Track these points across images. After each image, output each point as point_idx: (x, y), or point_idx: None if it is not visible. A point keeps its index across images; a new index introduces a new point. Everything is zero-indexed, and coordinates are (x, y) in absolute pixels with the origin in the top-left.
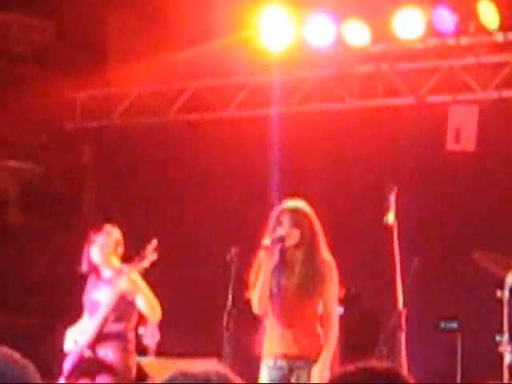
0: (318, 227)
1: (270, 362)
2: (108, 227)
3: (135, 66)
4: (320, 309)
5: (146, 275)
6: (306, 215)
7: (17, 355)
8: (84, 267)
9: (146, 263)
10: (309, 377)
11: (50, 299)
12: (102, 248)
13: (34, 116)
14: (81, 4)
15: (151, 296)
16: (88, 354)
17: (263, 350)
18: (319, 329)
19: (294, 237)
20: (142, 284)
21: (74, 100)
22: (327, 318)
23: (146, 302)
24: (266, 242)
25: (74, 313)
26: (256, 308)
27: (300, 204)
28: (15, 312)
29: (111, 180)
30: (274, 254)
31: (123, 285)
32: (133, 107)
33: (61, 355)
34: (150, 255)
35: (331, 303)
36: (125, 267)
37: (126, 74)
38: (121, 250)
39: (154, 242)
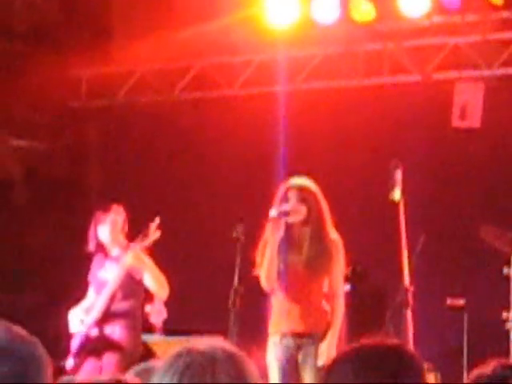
0: (324, 205)
1: (277, 339)
2: (115, 206)
3: (140, 44)
4: (326, 286)
5: (152, 253)
6: (312, 192)
7: (25, 333)
8: (91, 247)
9: (149, 241)
10: (316, 354)
11: (54, 278)
12: (112, 227)
13: (39, 94)
14: None
15: (158, 272)
16: (95, 332)
17: (270, 327)
18: (326, 306)
19: (300, 212)
20: (148, 261)
21: (78, 78)
22: (333, 295)
23: (154, 279)
24: (273, 213)
25: (77, 292)
26: (265, 284)
27: (306, 181)
28: (19, 291)
29: (116, 158)
30: (280, 226)
31: (129, 260)
32: (138, 85)
33: (66, 333)
34: (153, 233)
35: (337, 281)
36: (131, 245)
37: (131, 52)
38: (126, 229)
39: (157, 220)
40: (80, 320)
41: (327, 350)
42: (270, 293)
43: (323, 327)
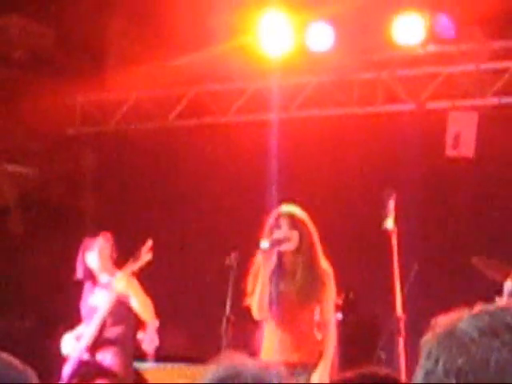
0: (315, 233)
1: None
2: (103, 233)
3: (134, 71)
4: (317, 315)
5: (144, 280)
6: (303, 220)
7: (16, 361)
8: (79, 274)
9: (140, 262)
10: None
11: (48, 304)
12: (100, 253)
13: (34, 120)
14: (80, 9)
15: (145, 298)
16: (86, 358)
17: (261, 356)
18: (317, 335)
19: (293, 239)
20: (136, 285)
21: (73, 105)
22: (325, 324)
23: (140, 303)
24: (264, 244)
25: (72, 319)
26: (256, 314)
27: (297, 209)
28: (12, 317)
29: (110, 184)
30: (272, 256)
31: (119, 286)
32: (132, 112)
33: (59, 360)
34: (145, 255)
35: (329, 310)
36: (122, 269)
37: (125, 78)
38: (115, 256)
39: (149, 243)
40: (72, 344)
41: (319, 380)
42: (261, 321)
43: (315, 356)
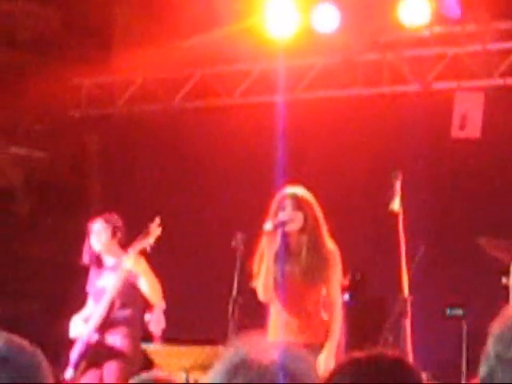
0: (320, 214)
1: None
2: (107, 215)
3: (140, 53)
4: (324, 296)
5: (152, 262)
6: (308, 201)
7: (25, 342)
8: (85, 258)
9: (151, 239)
10: None
11: (54, 286)
12: (99, 236)
13: (40, 103)
14: None
15: (153, 279)
16: (94, 340)
17: (268, 336)
18: (324, 315)
19: (297, 220)
20: (144, 265)
21: (79, 87)
22: (331, 305)
23: (149, 284)
24: (268, 226)
25: (78, 301)
26: (262, 296)
27: (301, 190)
28: (18, 299)
29: (116, 167)
30: (276, 238)
31: (128, 265)
32: (138, 94)
33: (66, 343)
34: (155, 231)
35: (335, 291)
36: (129, 249)
37: (132, 60)
38: (120, 236)
39: (157, 220)
40: (80, 326)
41: (325, 361)
42: (267, 304)
43: (322, 337)
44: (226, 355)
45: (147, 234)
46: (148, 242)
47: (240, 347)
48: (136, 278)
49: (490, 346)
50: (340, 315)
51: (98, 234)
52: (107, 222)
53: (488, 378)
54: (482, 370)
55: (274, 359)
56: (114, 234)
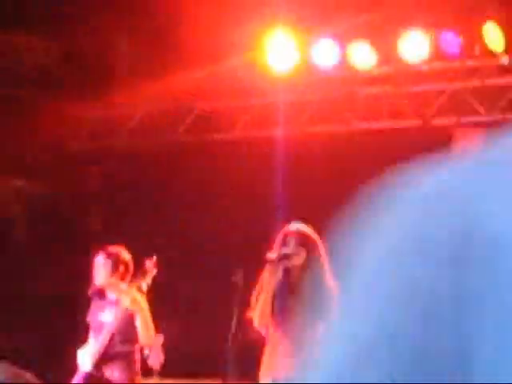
0: (323, 251)
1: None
2: (109, 248)
3: (141, 87)
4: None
5: (152, 298)
6: (311, 238)
7: (29, 375)
8: (90, 290)
9: (147, 279)
10: None
11: (55, 320)
12: (98, 270)
13: (41, 136)
14: (88, 25)
15: (147, 318)
16: (94, 374)
17: (263, 369)
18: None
19: (300, 256)
20: (141, 303)
21: (80, 121)
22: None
23: (143, 322)
24: (272, 256)
25: (79, 333)
26: (256, 322)
27: (306, 227)
28: (19, 331)
29: (118, 201)
30: (279, 270)
31: (126, 302)
32: (139, 128)
33: (66, 376)
34: (151, 270)
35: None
36: (129, 284)
37: (134, 94)
38: (123, 270)
39: (154, 258)
40: (87, 360)
41: None
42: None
43: None
44: None
45: (144, 273)
46: (144, 281)
47: None
48: (133, 315)
49: None
50: None
51: (98, 268)
52: (108, 256)
53: None
54: None
55: None
56: (115, 268)
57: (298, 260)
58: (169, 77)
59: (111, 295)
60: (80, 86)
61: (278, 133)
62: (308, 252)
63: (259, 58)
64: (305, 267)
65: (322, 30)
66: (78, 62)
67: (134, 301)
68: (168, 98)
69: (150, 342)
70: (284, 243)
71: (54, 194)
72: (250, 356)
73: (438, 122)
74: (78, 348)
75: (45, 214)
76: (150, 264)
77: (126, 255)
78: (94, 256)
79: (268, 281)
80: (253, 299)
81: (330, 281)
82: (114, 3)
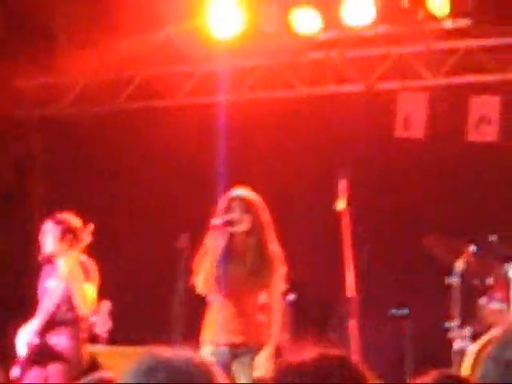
0: (267, 217)
1: (212, 348)
2: (56, 215)
3: (83, 55)
4: (264, 298)
5: (96, 264)
6: (256, 203)
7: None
8: (40, 257)
9: (80, 245)
10: (251, 364)
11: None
12: (46, 236)
13: None
14: None
15: (78, 285)
16: (39, 341)
17: (204, 334)
18: (262, 317)
19: (245, 222)
20: (74, 271)
21: (21, 88)
22: (272, 309)
23: (76, 292)
24: (216, 221)
25: (26, 301)
26: (200, 288)
27: (250, 193)
28: None
29: (60, 168)
30: (223, 235)
31: (63, 271)
32: (81, 95)
33: (14, 343)
34: (85, 238)
35: (276, 294)
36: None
37: (74, 62)
38: (71, 237)
39: (90, 226)
40: (25, 342)
41: (264, 363)
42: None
43: (260, 339)
44: (141, 357)
45: (76, 239)
46: (76, 248)
47: (153, 349)
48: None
49: (489, 348)
50: (280, 318)
51: (46, 235)
52: (57, 223)
53: (481, 379)
54: (478, 371)
55: (188, 358)
56: (63, 235)
57: (242, 226)
58: (110, 45)
59: (58, 262)
60: (21, 54)
61: (221, 99)
62: (252, 218)
63: (202, 23)
64: (249, 234)
65: None
66: (18, 30)
67: (69, 271)
68: (110, 66)
69: (86, 311)
70: (228, 209)
71: None
72: (195, 321)
73: (382, 86)
74: (24, 318)
75: None
76: (86, 232)
77: (75, 222)
78: (38, 221)
79: (212, 247)
80: (195, 265)
81: (273, 246)
82: None
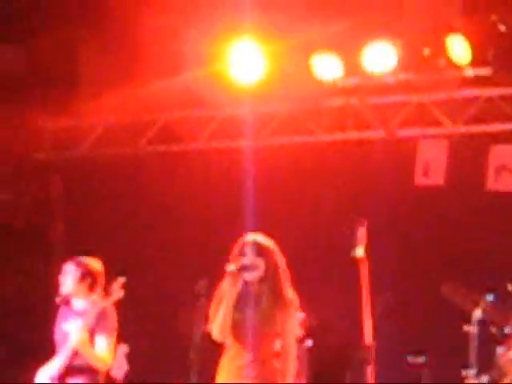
0: (281, 261)
1: None
2: (76, 258)
3: (105, 97)
4: (278, 345)
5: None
6: (268, 248)
7: None
8: (57, 299)
9: (111, 300)
10: None
11: (18, 329)
12: (65, 278)
13: (3, 145)
14: (53, 33)
15: (93, 353)
16: None
17: (219, 379)
18: (277, 364)
19: (258, 267)
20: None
21: (43, 130)
22: (286, 355)
23: (90, 360)
24: (231, 267)
25: (40, 342)
26: (217, 335)
27: (263, 237)
28: None
29: (80, 211)
30: (239, 281)
31: (75, 339)
32: (103, 138)
33: None
34: (117, 292)
35: (290, 341)
36: (95, 299)
37: (97, 105)
38: (90, 281)
39: (121, 280)
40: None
41: None
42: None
43: None
44: None
45: (108, 294)
46: (107, 303)
47: None
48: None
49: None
50: (294, 365)
51: (66, 275)
52: (78, 265)
53: None
54: None
55: None
56: (82, 278)
57: (256, 273)
58: (132, 88)
59: (78, 304)
60: (43, 96)
61: (242, 144)
62: (266, 263)
63: (223, 68)
64: (263, 279)
65: (287, 39)
66: (41, 72)
67: (80, 341)
68: (132, 109)
69: (104, 368)
70: (242, 253)
71: (16, 204)
72: (211, 366)
73: (403, 133)
74: (41, 360)
75: (8, 224)
76: (117, 286)
77: (96, 266)
78: (57, 263)
79: (228, 292)
80: (211, 311)
81: (288, 292)
82: (78, 14)
